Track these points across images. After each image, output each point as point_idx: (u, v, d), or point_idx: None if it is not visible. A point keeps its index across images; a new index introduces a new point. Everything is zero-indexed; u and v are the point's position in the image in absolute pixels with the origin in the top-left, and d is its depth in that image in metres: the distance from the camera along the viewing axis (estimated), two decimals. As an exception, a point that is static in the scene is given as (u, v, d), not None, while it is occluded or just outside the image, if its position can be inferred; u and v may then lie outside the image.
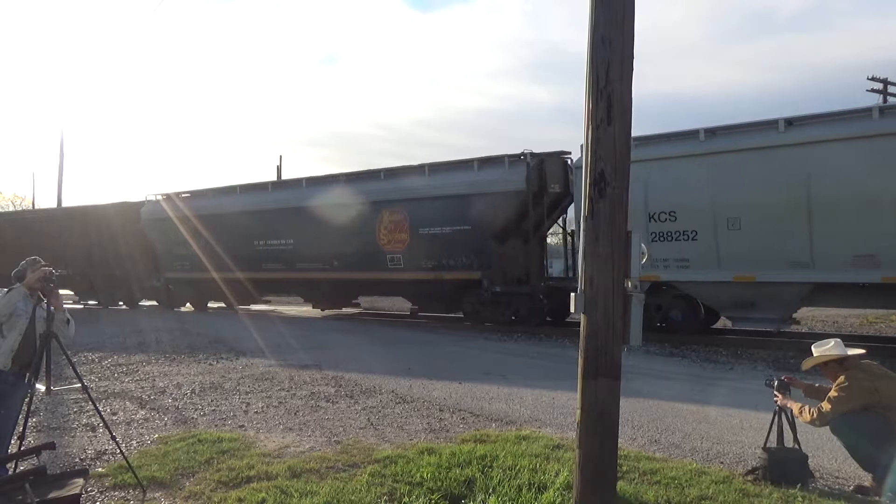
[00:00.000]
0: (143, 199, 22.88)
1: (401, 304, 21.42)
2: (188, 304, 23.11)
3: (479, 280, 15.44)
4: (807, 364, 4.95)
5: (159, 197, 22.42)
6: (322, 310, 20.57)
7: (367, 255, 16.92)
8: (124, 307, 23.64)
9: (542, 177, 15.17)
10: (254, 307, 22.51)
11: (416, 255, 16.26)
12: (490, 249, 15.30)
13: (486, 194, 14.98)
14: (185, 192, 22.34)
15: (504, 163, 15.19)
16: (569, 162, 15.56)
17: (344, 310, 20.78)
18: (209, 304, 22.87)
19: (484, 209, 15.05)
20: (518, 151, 15.19)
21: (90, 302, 24.78)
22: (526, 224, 15.28)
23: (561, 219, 16.81)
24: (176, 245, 21.23)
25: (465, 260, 15.60)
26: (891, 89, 28.93)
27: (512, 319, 15.43)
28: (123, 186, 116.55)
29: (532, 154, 14.91)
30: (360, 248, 17.05)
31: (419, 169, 16.73)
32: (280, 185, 20.99)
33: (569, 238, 16.29)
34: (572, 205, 14.89)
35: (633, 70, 4.03)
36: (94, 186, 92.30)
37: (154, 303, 23.85)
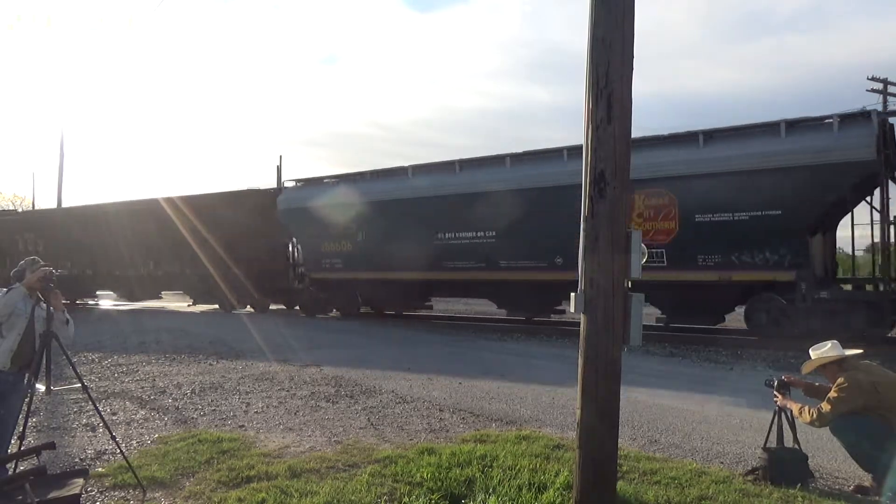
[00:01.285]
0: (280, 185, 19.59)
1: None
2: (334, 310, 19.65)
3: (791, 282, 11.87)
4: (806, 368, 4.95)
5: (299, 183, 19.16)
6: (526, 317, 16.35)
7: None
8: (251, 311, 20.90)
9: (889, 142, 11.48)
10: (425, 311, 19.36)
11: (686, 249, 12.70)
12: (805, 242, 11.93)
13: (805, 168, 11.36)
14: (328, 178, 18.79)
15: (831, 125, 11.41)
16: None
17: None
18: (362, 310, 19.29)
19: (801, 188, 11.47)
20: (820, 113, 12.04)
21: (210, 306, 21.84)
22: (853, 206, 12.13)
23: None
24: (326, 239, 17.94)
25: (769, 255, 12.00)
26: (891, 89, 28.92)
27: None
28: (123, 186, 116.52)
29: (877, 112, 11.59)
30: None
31: (689, 138, 12.91)
32: (473, 163, 15.99)
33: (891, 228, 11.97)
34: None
35: (633, 70, 4.03)
36: (94, 186, 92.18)
37: (282, 307, 21.02)
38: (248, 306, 21.10)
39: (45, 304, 4.76)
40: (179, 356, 11.39)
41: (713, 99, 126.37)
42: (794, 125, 11.86)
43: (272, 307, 21.33)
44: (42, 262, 4.96)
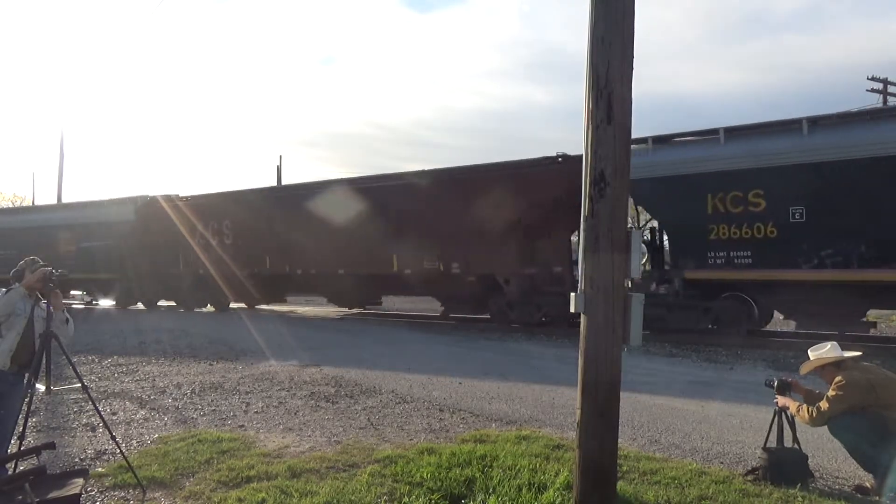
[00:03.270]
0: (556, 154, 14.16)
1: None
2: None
3: None
4: (805, 368, 4.95)
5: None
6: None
7: None
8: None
9: None
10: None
11: None
12: None
13: None
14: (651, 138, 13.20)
15: None
16: None
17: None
18: None
19: None
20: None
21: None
22: None
23: None
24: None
25: None
26: (891, 89, 28.94)
27: None
28: (123, 186, 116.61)
29: None
30: None
31: None
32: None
33: None
34: None
35: (633, 70, 4.03)
36: (94, 186, 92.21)
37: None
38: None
39: (44, 304, 4.76)
40: (179, 356, 11.40)
41: (712, 99, 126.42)
42: None
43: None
44: (42, 262, 4.96)
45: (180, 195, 21.85)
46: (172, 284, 22.03)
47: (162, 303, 23.35)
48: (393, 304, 23.05)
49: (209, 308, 21.80)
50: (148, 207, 22.14)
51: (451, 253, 15.76)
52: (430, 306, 20.68)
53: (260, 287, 20.13)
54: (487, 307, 16.20)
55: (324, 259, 17.87)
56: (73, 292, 25.18)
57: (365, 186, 17.13)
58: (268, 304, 22.30)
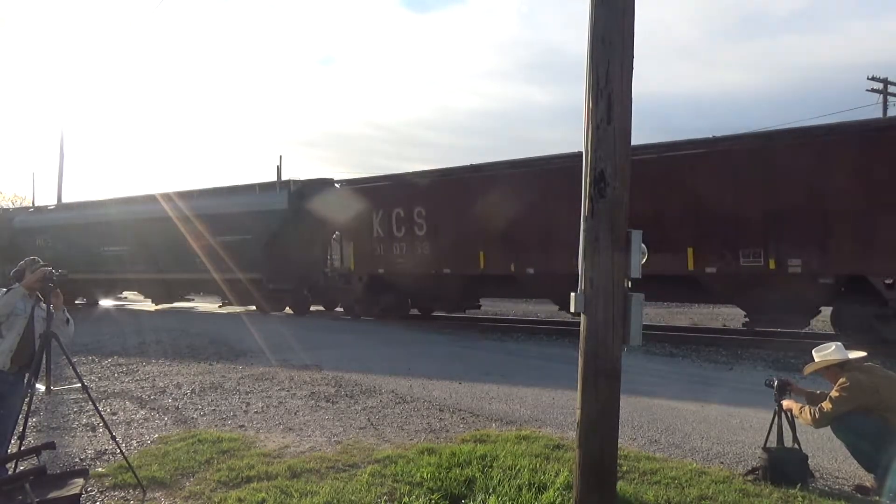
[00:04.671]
0: None
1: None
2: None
3: None
4: (808, 370, 4.95)
5: None
6: None
7: None
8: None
9: None
10: None
11: None
12: None
13: None
14: None
15: None
16: None
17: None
18: None
19: None
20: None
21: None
22: None
23: None
24: None
25: None
26: (891, 89, 28.92)
27: None
28: (123, 186, 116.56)
29: None
30: None
31: None
32: None
33: None
34: None
35: (633, 70, 4.03)
36: (94, 186, 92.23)
37: None
38: None
39: (44, 304, 4.76)
40: (179, 356, 11.40)
41: (712, 99, 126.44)
42: None
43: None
44: (42, 262, 4.96)
45: (339, 179, 18.79)
46: (336, 285, 18.83)
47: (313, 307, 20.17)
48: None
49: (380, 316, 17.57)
50: (305, 193, 18.66)
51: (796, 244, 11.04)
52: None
53: (461, 290, 16.12)
54: (839, 321, 11.36)
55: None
56: (187, 296, 23.73)
57: (654, 157, 12.34)
58: (468, 309, 17.93)
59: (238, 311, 20.80)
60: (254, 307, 20.41)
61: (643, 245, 4.04)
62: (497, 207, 14.40)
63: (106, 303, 26.25)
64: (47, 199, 39.92)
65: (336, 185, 18.77)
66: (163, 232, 20.62)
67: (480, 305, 18.33)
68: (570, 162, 12.69)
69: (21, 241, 25.06)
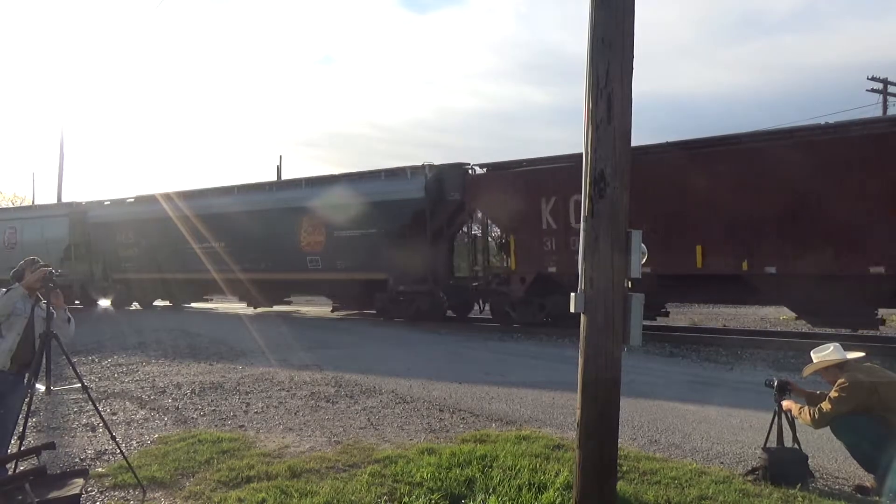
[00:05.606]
0: None
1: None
2: None
3: None
4: (807, 370, 4.95)
5: None
6: None
7: None
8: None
9: None
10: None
11: None
12: None
13: None
14: None
15: None
16: None
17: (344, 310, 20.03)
18: None
19: None
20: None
21: None
22: None
23: None
24: None
25: None
26: (891, 89, 28.93)
27: None
28: (123, 186, 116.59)
29: None
30: None
31: None
32: None
33: None
34: None
35: (633, 70, 4.03)
36: (94, 185, 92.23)
37: None
38: None
39: (44, 304, 4.77)
40: (179, 356, 11.40)
41: (711, 99, 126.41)
42: None
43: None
44: (42, 262, 4.96)
45: (485, 163, 15.96)
46: (485, 287, 15.87)
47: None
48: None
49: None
50: (443, 179, 15.99)
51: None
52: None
53: (663, 292, 12.88)
54: None
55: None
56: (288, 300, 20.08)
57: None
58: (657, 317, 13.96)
59: (342, 314, 19.12)
60: (373, 311, 17.92)
61: (643, 245, 4.04)
62: (724, 190, 11.73)
63: (195, 306, 23.60)
64: (47, 199, 39.92)
65: (470, 169, 16.13)
66: (265, 227, 18.33)
67: (668, 313, 14.46)
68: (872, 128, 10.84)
69: (98, 237, 23.28)
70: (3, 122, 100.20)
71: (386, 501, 4.34)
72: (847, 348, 4.87)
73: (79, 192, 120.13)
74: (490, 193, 15.28)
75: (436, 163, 16.33)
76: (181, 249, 20.55)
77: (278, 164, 46.85)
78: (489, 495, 4.34)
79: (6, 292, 4.79)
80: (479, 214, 16.27)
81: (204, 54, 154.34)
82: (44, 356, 4.63)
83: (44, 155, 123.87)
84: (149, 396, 7.97)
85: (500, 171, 15.51)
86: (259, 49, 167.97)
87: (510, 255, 14.86)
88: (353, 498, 4.35)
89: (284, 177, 19.65)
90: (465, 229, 17.25)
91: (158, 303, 23.81)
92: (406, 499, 4.34)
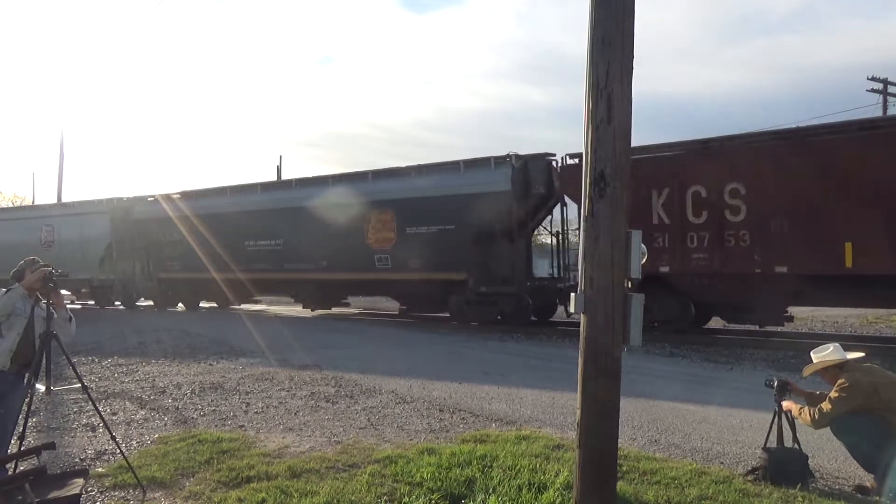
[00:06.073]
0: None
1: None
2: None
3: None
4: (807, 371, 4.95)
5: None
6: None
7: None
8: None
9: None
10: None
11: None
12: None
13: None
14: None
15: None
16: None
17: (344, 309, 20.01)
18: None
19: None
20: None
21: None
22: None
23: None
24: None
25: None
26: (891, 89, 28.93)
27: None
28: (122, 185, 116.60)
29: None
30: None
31: None
32: None
33: None
34: None
35: (633, 70, 4.03)
36: (94, 185, 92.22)
37: None
38: None
39: (44, 304, 4.77)
40: (179, 356, 11.39)
41: (711, 100, 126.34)
42: None
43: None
44: (42, 262, 4.96)
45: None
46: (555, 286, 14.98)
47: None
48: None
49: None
50: (531, 170, 14.81)
51: None
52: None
53: (800, 296, 12.03)
54: None
55: None
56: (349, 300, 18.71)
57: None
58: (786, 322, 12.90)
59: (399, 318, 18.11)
60: (447, 314, 16.61)
61: (643, 245, 4.04)
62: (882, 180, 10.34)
63: (245, 307, 22.43)
64: (47, 198, 39.91)
65: (554, 161, 14.96)
66: (327, 223, 17.07)
67: (793, 317, 13.20)
68: None
69: (142, 235, 22.22)
70: (3, 122, 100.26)
71: (386, 501, 4.34)
72: (847, 348, 4.88)
73: (79, 192, 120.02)
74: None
75: (520, 153, 14.98)
76: (231, 247, 19.44)
77: (278, 164, 46.79)
78: (489, 495, 4.34)
79: (6, 292, 4.79)
80: (568, 210, 14.89)
81: (204, 54, 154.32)
82: (44, 356, 4.63)
83: (44, 155, 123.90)
84: (149, 396, 7.97)
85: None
86: (259, 49, 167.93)
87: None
88: (352, 498, 4.35)
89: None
90: (545, 226, 16.29)
91: (203, 304, 22.78)
92: (406, 499, 4.34)
